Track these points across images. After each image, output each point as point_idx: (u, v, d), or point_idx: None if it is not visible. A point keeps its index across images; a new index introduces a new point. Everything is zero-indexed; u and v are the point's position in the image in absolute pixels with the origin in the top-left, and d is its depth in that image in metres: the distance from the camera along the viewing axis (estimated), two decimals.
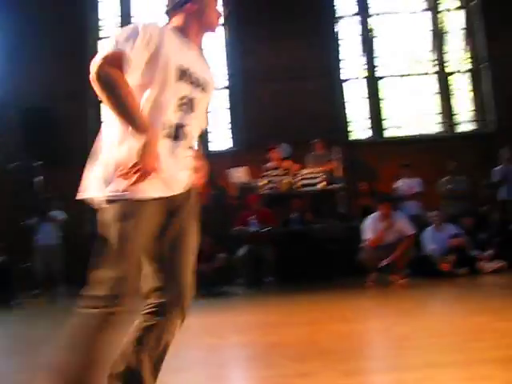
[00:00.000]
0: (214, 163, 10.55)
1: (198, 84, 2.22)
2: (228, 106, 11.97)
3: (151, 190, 2.04)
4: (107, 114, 2.12)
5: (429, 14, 12.16)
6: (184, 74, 2.16)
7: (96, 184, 2.07)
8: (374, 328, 4.35)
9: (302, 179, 9.26)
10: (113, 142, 2.08)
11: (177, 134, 2.15)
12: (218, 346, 4.07)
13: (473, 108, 11.98)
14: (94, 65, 2.01)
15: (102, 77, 2.00)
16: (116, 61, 2.01)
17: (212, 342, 4.21)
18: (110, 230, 2.01)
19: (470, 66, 12.03)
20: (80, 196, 2.12)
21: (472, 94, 12.01)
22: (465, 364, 2.92)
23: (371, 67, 11.97)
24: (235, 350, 3.94)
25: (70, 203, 9.84)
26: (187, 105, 2.19)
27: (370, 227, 7.57)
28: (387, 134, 11.80)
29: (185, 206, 2.21)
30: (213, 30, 2.33)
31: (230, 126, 11.91)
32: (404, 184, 9.60)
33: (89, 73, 2.02)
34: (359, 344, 3.64)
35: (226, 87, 12.00)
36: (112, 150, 2.07)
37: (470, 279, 7.41)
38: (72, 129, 10.86)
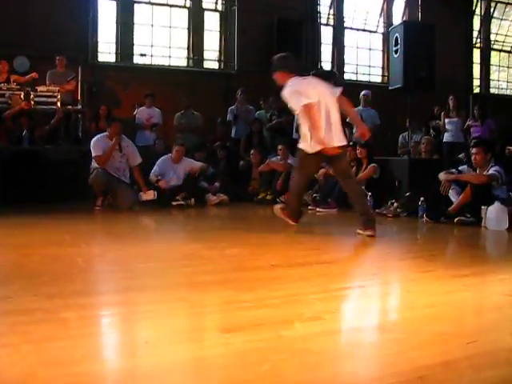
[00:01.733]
0: None
1: None
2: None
3: None
4: None
5: None
6: None
7: None
8: (89, 253, 4.33)
9: (37, 96, 8.68)
10: None
11: None
12: None
13: (218, 48, 12.38)
14: None
15: None
16: None
17: None
18: None
19: (221, 7, 12.33)
20: None
21: (219, 34, 12.38)
22: (164, 288, 3.05)
23: None
24: None
25: None
26: None
27: (97, 145, 7.48)
28: (135, 61, 11.61)
29: None
30: None
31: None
32: (143, 113, 9.63)
33: None
34: (69, 268, 3.58)
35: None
36: None
37: (197, 210, 7.77)
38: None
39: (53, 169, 8.16)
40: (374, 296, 3.09)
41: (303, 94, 4.99)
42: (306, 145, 5.16)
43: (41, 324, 2.34)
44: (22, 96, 8.65)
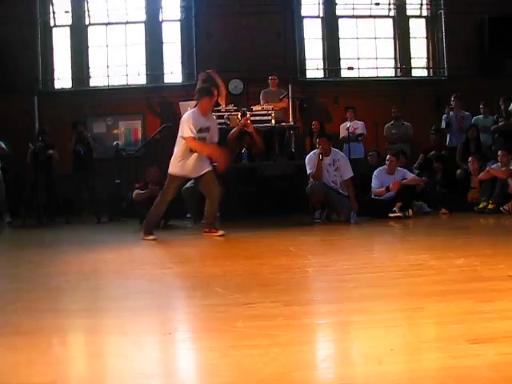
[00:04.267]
0: (167, 96, 10.50)
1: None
2: (180, 39, 11.68)
3: None
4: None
5: None
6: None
7: None
8: (317, 263, 4.43)
9: (253, 115, 9.16)
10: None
11: None
12: (160, 276, 4.08)
13: (426, 54, 12.05)
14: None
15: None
16: None
17: (155, 273, 4.22)
18: None
19: (426, 12, 12.01)
20: None
21: (427, 40, 12.05)
22: (399, 297, 3.03)
23: (330, 6, 11.80)
24: (177, 280, 3.96)
25: (13, 132, 9.74)
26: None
27: (310, 162, 7.66)
28: (342, 74, 11.77)
29: None
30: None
31: (181, 59, 11.66)
32: (349, 126, 9.69)
33: None
34: (300, 277, 3.71)
35: (179, 20, 11.68)
36: None
37: (414, 220, 7.60)
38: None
39: (270, 183, 8.54)
40: None
41: None
42: None
43: (285, 329, 2.43)
44: (238, 116, 9.18)
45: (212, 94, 6.41)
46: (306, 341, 2.33)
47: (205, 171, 6.19)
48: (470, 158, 8.68)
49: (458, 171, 8.98)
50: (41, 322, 2.66)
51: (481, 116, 9.85)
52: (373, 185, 8.08)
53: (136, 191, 7.88)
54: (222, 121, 9.38)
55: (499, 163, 8.21)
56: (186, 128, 5.97)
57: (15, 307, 3.04)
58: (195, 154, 6.10)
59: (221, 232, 6.22)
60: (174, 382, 1.93)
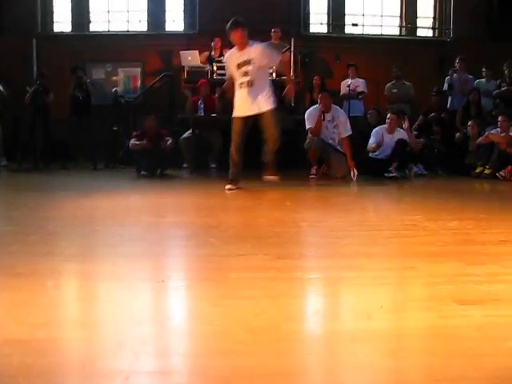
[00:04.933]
0: (169, 44, 10.34)
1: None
2: None
3: None
4: None
5: None
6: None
7: None
8: (311, 218, 4.46)
9: None
10: None
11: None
12: (155, 224, 4.11)
13: (433, 14, 11.86)
14: None
15: None
16: None
17: (150, 221, 4.25)
18: None
19: None
20: None
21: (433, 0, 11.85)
22: (391, 256, 3.07)
23: None
24: (172, 229, 3.99)
25: (11, 74, 9.62)
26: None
27: (310, 117, 7.63)
28: (346, 31, 11.60)
29: None
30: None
31: (184, 7, 11.46)
32: (350, 83, 9.59)
33: None
34: (294, 231, 3.73)
35: None
36: None
37: (409, 182, 7.64)
38: None
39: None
40: None
41: None
42: None
43: (276, 281, 2.47)
44: None
45: (237, 25, 6.05)
46: (296, 294, 2.36)
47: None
48: (469, 122, 8.65)
49: (457, 134, 8.96)
50: (36, 265, 2.68)
51: (483, 80, 9.76)
52: (370, 141, 8.05)
53: (132, 140, 7.85)
54: (224, 72, 9.29)
55: (498, 128, 8.19)
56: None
57: (11, 249, 3.06)
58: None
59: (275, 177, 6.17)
60: (165, 328, 1.96)
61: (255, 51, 6.02)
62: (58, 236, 3.66)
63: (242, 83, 5.93)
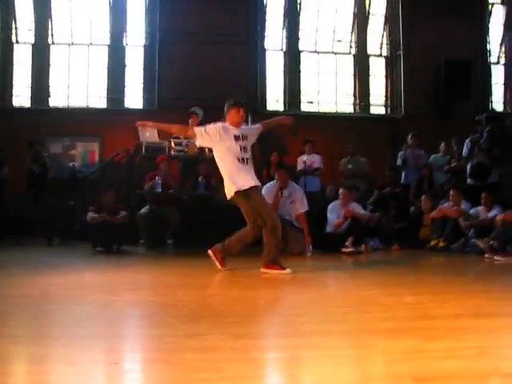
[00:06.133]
0: (127, 120, 10.39)
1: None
2: (143, 64, 11.70)
3: None
4: None
5: None
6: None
7: None
8: (268, 295, 4.43)
9: None
10: None
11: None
12: (110, 303, 4.01)
13: (385, 93, 12.36)
14: None
15: None
16: None
17: (105, 299, 4.15)
18: None
19: (386, 52, 12.36)
20: None
21: (386, 79, 12.37)
22: (348, 333, 3.04)
23: (293, 40, 12.03)
24: (127, 308, 3.90)
25: None
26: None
27: (267, 193, 7.65)
28: (302, 108, 11.95)
29: None
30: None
31: (143, 85, 11.66)
32: (306, 159, 9.79)
33: None
34: (251, 310, 3.69)
35: (143, 45, 11.71)
36: None
37: (367, 256, 7.70)
38: None
39: (226, 212, 8.50)
40: None
41: None
42: None
43: (233, 362, 2.42)
44: (196, 144, 9.17)
45: (239, 105, 5.81)
46: (254, 375, 2.31)
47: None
48: (422, 197, 8.89)
49: (412, 208, 9.17)
50: None
51: (439, 154, 10.10)
52: (330, 219, 8.17)
53: (90, 214, 7.77)
54: (181, 148, 9.40)
55: (451, 202, 8.42)
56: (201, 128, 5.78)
57: None
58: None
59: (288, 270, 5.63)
60: None
61: (249, 130, 6.02)
62: (9, 315, 3.53)
63: (242, 158, 5.68)
